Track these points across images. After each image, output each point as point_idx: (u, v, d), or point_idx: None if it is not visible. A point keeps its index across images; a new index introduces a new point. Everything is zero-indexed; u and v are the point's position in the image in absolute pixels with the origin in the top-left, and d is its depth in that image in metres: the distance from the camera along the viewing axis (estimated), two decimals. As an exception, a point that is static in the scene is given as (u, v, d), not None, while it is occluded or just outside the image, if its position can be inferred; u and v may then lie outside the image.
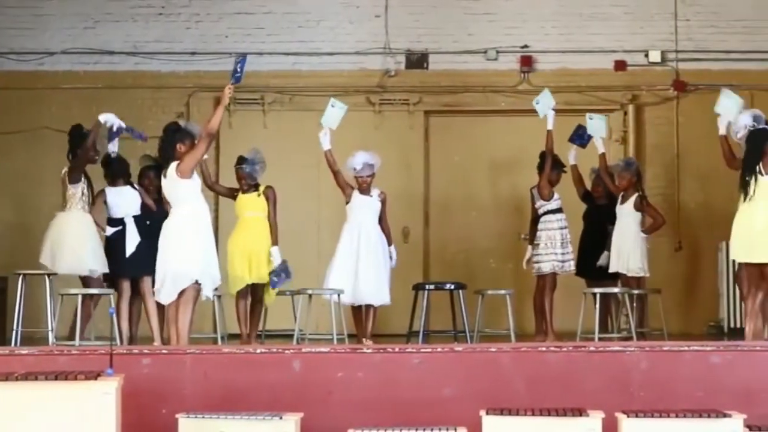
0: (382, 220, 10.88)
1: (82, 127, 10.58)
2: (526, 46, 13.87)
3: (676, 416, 7.58)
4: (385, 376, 8.50)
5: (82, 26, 13.85)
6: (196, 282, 9.24)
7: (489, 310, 11.69)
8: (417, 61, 13.93)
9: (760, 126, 9.89)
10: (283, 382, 8.41)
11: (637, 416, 7.61)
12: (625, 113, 13.81)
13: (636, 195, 11.41)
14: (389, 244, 10.89)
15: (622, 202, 11.40)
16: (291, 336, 10.72)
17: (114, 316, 9.87)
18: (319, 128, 10.76)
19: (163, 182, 9.46)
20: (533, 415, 7.58)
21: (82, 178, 10.41)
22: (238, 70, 9.70)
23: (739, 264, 9.84)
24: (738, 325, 12.77)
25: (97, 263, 10.31)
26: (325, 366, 8.51)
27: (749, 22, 13.80)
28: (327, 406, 8.28)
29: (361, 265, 10.65)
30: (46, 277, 10.36)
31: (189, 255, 9.21)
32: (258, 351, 8.77)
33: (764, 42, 13.66)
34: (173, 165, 9.30)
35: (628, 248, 11.29)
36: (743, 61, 13.52)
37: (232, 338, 11.26)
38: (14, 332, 10.35)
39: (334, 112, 10.77)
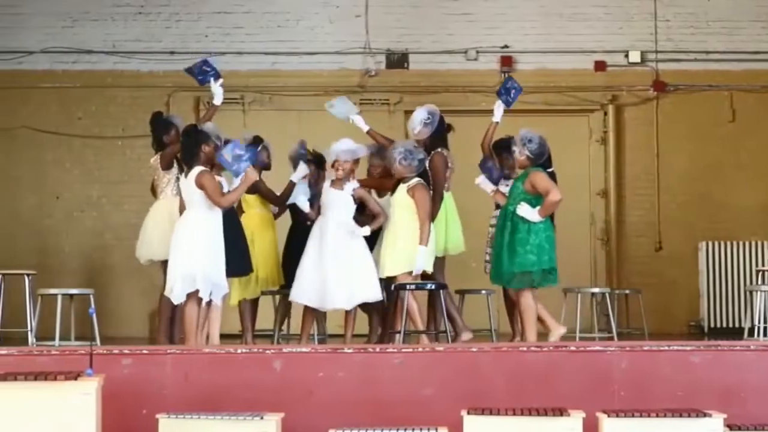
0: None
1: (162, 114, 10.51)
2: (506, 47, 13.89)
3: (657, 416, 7.60)
4: (366, 376, 8.49)
5: (60, 25, 13.79)
6: (196, 288, 9.19)
7: (470, 310, 11.66)
8: (397, 61, 13.92)
9: (436, 121, 10.17)
10: (264, 382, 8.39)
11: (617, 416, 7.63)
12: (605, 114, 13.83)
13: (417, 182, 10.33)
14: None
15: (393, 193, 10.26)
16: (272, 336, 10.69)
17: (94, 316, 9.78)
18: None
19: (182, 182, 9.45)
20: (514, 414, 7.59)
21: (174, 164, 10.30)
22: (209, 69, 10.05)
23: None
24: (718, 325, 12.83)
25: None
26: (306, 366, 8.49)
27: (728, 23, 13.85)
28: (308, 406, 8.27)
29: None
30: (26, 276, 10.31)
31: (194, 260, 9.17)
32: (239, 351, 8.75)
33: (743, 42, 13.72)
34: (195, 171, 9.25)
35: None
36: (722, 62, 13.56)
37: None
38: (-7, 333, 10.33)
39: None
